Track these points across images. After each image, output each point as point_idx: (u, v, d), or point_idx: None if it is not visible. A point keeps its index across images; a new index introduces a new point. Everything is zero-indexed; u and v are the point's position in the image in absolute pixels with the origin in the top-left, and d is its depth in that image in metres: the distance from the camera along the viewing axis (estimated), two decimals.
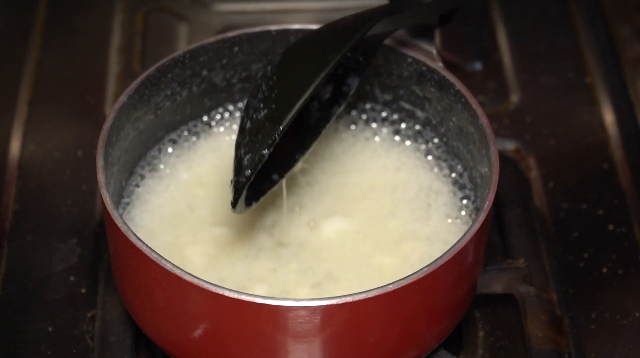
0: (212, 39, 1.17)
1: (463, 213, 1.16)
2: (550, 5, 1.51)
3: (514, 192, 1.29)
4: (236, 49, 1.18)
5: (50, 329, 1.18)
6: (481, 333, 1.19)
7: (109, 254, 1.12)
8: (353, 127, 1.23)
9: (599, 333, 1.18)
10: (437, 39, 1.47)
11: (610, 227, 1.27)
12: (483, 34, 1.48)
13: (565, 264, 1.23)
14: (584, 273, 1.23)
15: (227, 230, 1.15)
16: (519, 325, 1.17)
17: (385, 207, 1.16)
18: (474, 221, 1.03)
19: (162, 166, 1.20)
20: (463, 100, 1.13)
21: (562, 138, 1.36)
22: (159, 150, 1.20)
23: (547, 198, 1.30)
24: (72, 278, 1.22)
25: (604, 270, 1.23)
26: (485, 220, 1.04)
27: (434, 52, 1.16)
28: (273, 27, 1.18)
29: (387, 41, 1.16)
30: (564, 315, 1.19)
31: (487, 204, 1.04)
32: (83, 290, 1.21)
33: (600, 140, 1.36)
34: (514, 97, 1.41)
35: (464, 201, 1.17)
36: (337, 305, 0.98)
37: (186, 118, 1.21)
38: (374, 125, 1.23)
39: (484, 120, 1.10)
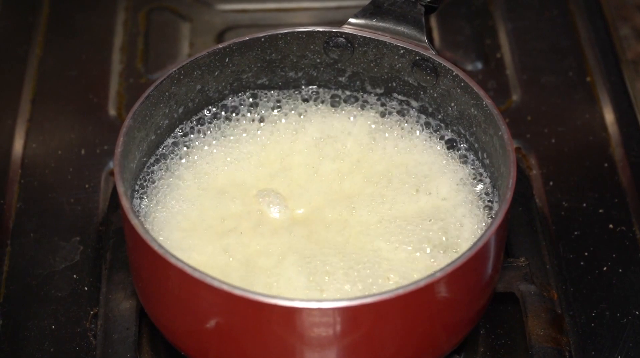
0: (204, 52, 1.16)
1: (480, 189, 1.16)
2: (551, 5, 1.51)
3: (514, 191, 1.29)
4: (227, 59, 1.18)
5: (53, 327, 1.18)
6: (482, 332, 1.19)
7: (128, 256, 1.11)
8: (352, 118, 1.22)
9: (599, 331, 1.18)
10: (435, 34, 1.49)
11: (611, 225, 1.27)
12: (483, 33, 1.48)
13: (566, 263, 1.24)
14: (585, 271, 1.23)
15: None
16: (519, 324, 1.17)
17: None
18: (495, 215, 1.03)
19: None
20: (463, 84, 1.13)
21: (563, 137, 1.36)
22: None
23: (548, 197, 1.30)
24: (74, 276, 1.22)
25: (605, 268, 1.23)
26: (507, 212, 1.04)
27: (425, 40, 1.16)
28: (262, 34, 1.17)
29: (376, 36, 1.17)
30: (565, 314, 1.19)
31: (509, 194, 1.04)
32: (86, 288, 1.22)
33: (601, 139, 1.36)
34: (515, 96, 1.41)
35: (480, 184, 1.16)
36: (353, 307, 0.97)
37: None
38: (368, 115, 1.22)
39: (488, 101, 1.11)
